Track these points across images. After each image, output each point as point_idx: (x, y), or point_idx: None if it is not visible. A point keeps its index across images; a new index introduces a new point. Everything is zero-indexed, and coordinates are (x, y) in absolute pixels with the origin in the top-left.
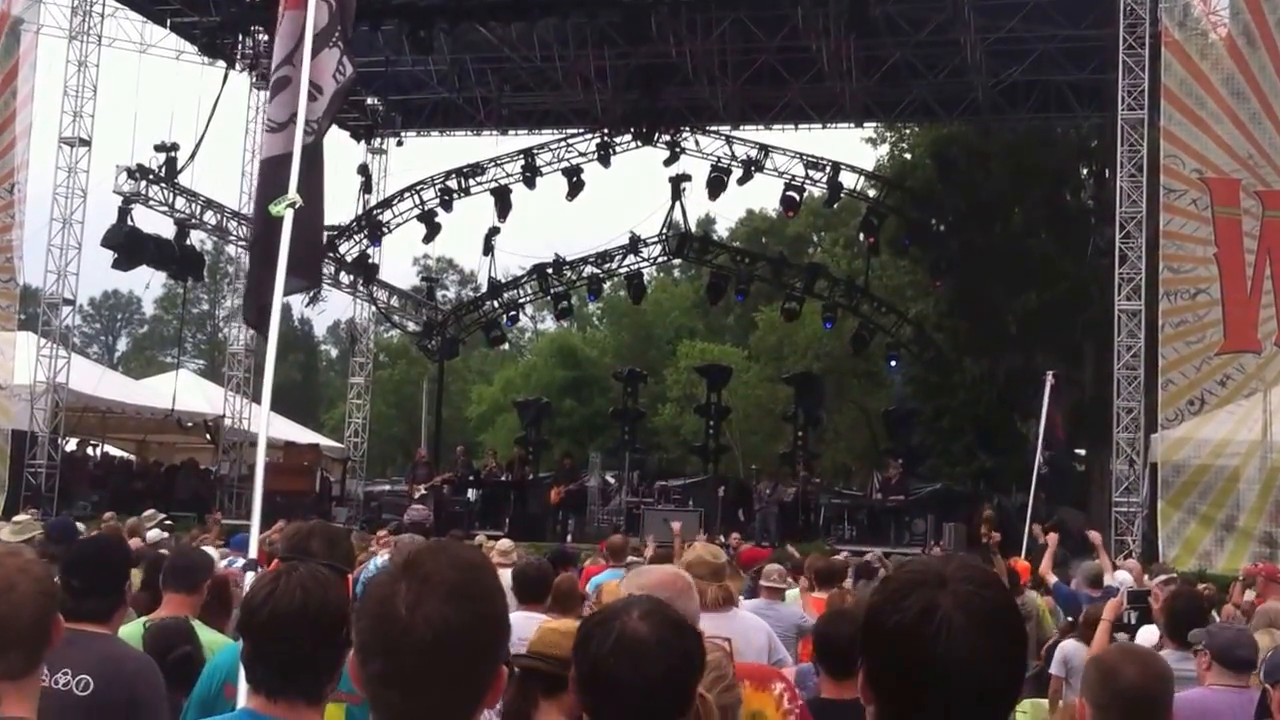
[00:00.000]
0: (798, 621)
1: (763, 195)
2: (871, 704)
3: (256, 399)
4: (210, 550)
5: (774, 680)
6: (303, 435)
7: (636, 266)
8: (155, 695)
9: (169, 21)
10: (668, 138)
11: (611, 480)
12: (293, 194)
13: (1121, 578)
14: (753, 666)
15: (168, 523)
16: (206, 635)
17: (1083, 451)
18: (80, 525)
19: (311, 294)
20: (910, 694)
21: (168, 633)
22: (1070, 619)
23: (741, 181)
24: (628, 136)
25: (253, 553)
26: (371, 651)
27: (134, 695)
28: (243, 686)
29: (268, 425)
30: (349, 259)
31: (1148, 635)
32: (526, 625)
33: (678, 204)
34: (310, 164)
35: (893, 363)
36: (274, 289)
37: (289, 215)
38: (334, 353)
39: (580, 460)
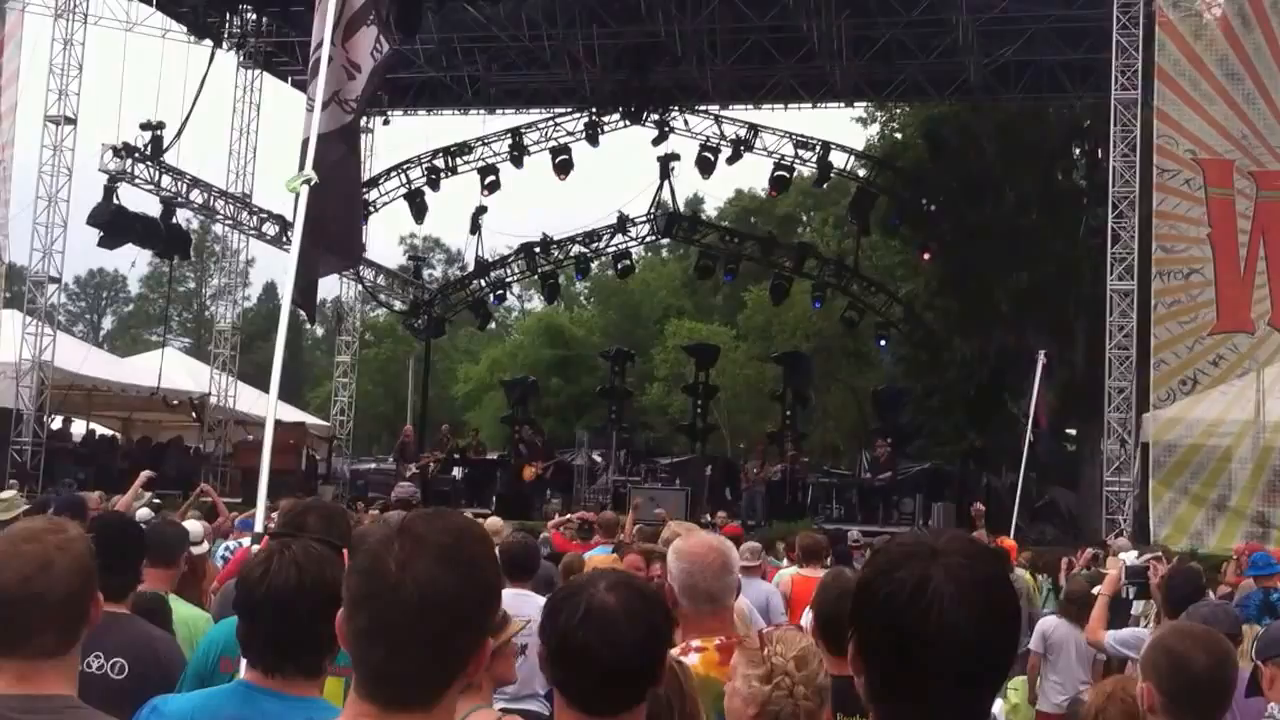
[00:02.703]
0: (768, 597)
1: (752, 175)
2: (862, 675)
3: (242, 377)
4: (194, 524)
5: None
6: (289, 414)
7: (624, 246)
8: (181, 672)
9: None
10: (656, 117)
11: (599, 459)
12: (308, 171)
13: (1123, 555)
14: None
15: (155, 501)
16: (183, 609)
17: (1074, 431)
18: None
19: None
20: (902, 665)
21: (144, 612)
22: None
23: (731, 161)
24: (616, 115)
25: (259, 527)
26: (359, 607)
27: (168, 675)
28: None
29: (275, 408)
30: None
31: (1141, 609)
32: (514, 603)
33: (666, 183)
34: (349, 142)
35: (882, 342)
36: (310, 268)
37: (304, 191)
38: (320, 331)
39: (553, 436)
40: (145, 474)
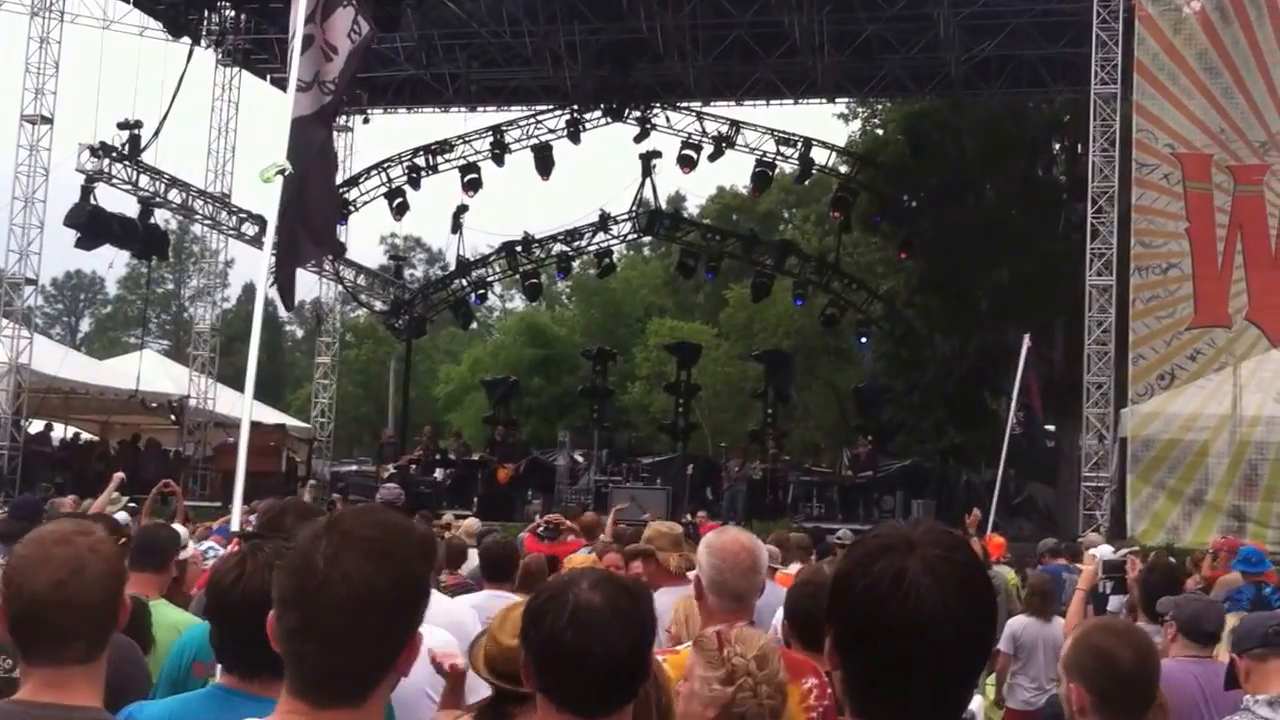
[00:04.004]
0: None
1: (734, 172)
2: (839, 669)
3: (221, 379)
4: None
5: (807, 674)
6: (269, 415)
7: (606, 244)
8: (139, 678)
9: None
10: (638, 114)
11: (580, 459)
12: (282, 161)
13: (1099, 550)
14: (787, 654)
15: (132, 505)
16: (173, 615)
17: (1052, 427)
18: None
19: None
20: (878, 659)
21: None
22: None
23: (713, 158)
24: (598, 113)
25: (235, 528)
26: (289, 605)
27: (122, 683)
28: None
29: (250, 410)
30: None
31: (1118, 605)
32: (492, 604)
33: (648, 181)
34: (328, 125)
35: (863, 339)
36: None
37: (278, 181)
38: (300, 333)
39: (534, 436)
40: (118, 476)
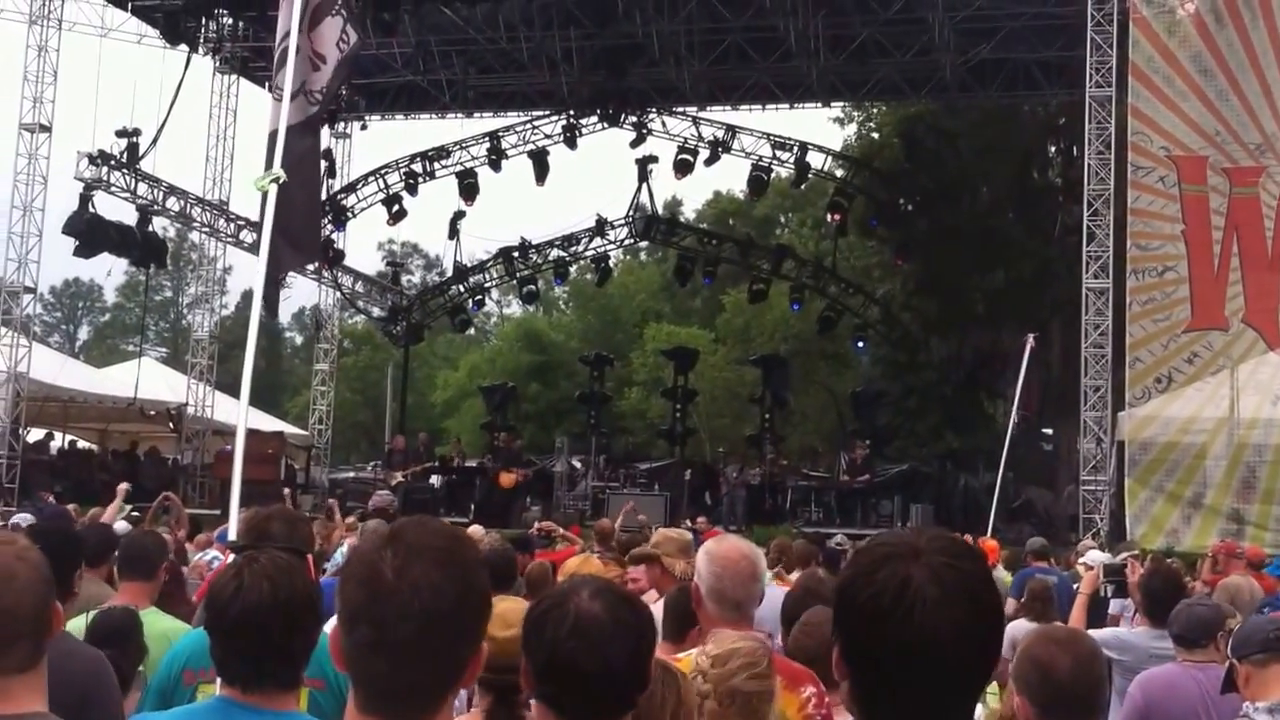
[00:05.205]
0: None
1: (730, 176)
2: (846, 679)
3: (220, 387)
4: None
5: (805, 683)
6: (267, 423)
7: (603, 249)
8: (107, 693)
9: (130, 5)
10: (634, 119)
11: (578, 465)
12: (277, 169)
13: (1094, 555)
14: (785, 663)
15: (134, 514)
16: (164, 623)
17: (1050, 431)
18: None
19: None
20: (885, 668)
21: (107, 630)
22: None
23: (709, 163)
24: (594, 118)
25: (232, 536)
26: (359, 618)
27: (85, 694)
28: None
29: (246, 417)
30: None
31: (1119, 608)
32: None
33: (644, 186)
34: (314, 135)
35: (860, 343)
36: (275, 264)
37: (273, 190)
38: (298, 339)
39: (532, 442)
40: (124, 487)
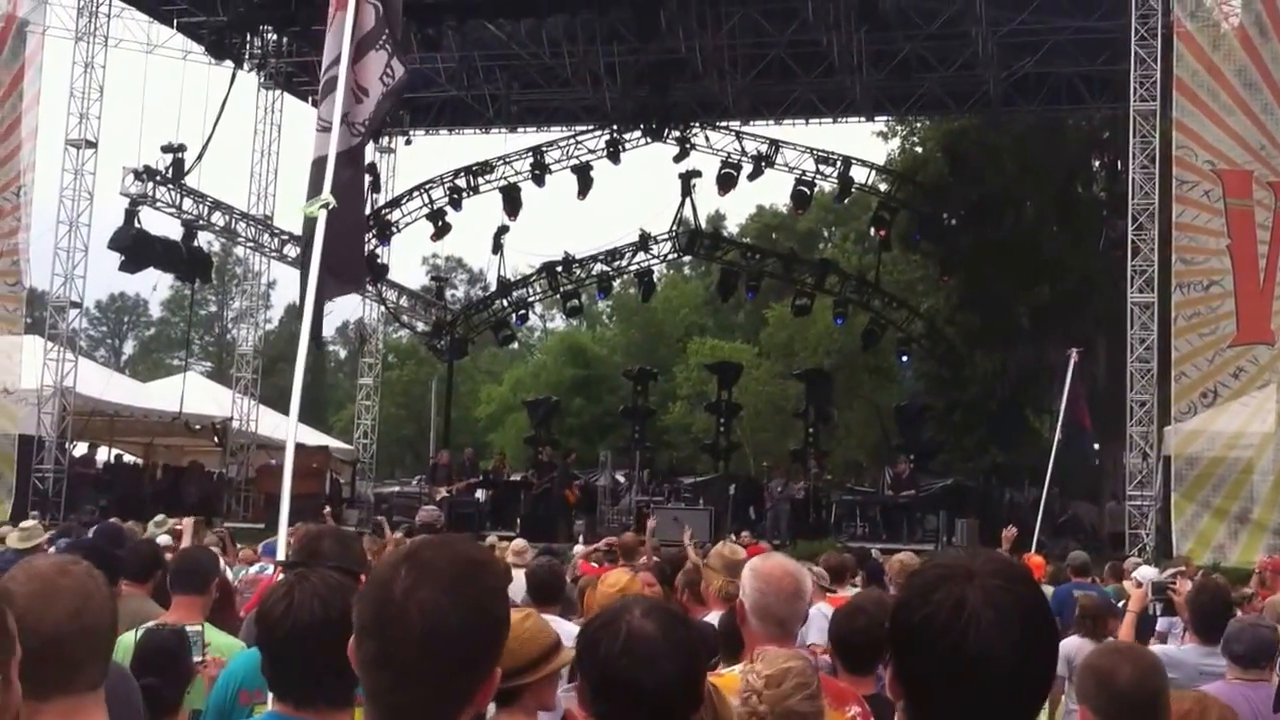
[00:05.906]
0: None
1: (773, 191)
2: (901, 700)
3: (264, 401)
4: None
5: (850, 702)
6: (311, 437)
7: (646, 264)
8: (130, 714)
9: (176, 22)
10: (677, 134)
11: (621, 479)
12: (326, 195)
13: (1145, 572)
14: (831, 682)
15: (177, 528)
16: (219, 639)
17: (1096, 446)
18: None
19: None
20: (939, 690)
21: (154, 650)
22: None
23: (752, 177)
24: (637, 133)
25: (281, 554)
26: (368, 634)
27: (112, 709)
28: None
29: (295, 432)
30: None
31: (1167, 625)
32: None
33: (688, 200)
34: (355, 165)
35: (904, 358)
36: (320, 292)
37: (323, 216)
38: (342, 354)
39: (587, 458)
40: (197, 520)
